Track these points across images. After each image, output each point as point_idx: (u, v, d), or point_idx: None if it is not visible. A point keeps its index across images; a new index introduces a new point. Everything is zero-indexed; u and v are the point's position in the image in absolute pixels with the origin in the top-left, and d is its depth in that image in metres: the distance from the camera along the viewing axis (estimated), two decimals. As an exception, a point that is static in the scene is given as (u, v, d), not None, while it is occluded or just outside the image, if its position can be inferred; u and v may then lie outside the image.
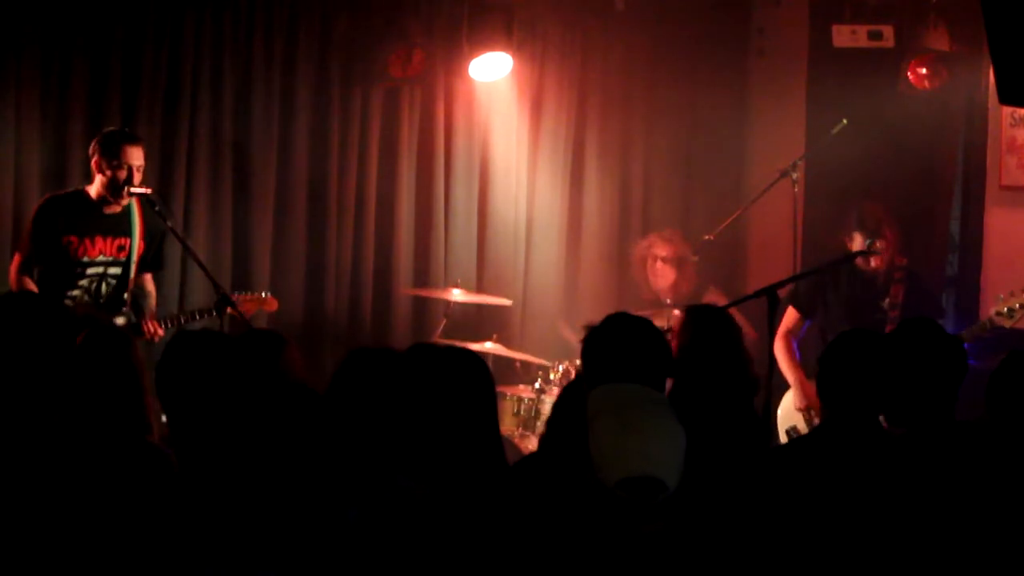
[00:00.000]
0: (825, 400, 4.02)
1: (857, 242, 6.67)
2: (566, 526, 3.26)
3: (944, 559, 3.56)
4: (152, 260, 6.55)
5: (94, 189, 6.31)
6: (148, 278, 6.61)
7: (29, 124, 7.04)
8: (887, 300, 6.71)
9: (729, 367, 4.73)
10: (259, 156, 7.65)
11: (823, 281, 6.78)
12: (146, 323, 6.33)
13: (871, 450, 3.84)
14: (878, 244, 6.59)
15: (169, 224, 6.21)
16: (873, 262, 6.65)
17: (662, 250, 7.69)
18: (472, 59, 7.93)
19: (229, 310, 5.90)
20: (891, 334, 4.24)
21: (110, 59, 7.21)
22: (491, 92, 8.20)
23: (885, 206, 6.88)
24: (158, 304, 6.71)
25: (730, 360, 4.79)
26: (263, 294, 6.90)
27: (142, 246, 6.40)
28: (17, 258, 6.38)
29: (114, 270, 6.37)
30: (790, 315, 6.92)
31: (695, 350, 4.81)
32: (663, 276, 7.67)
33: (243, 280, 7.58)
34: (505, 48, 7.95)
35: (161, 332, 6.34)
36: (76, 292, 6.33)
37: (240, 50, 7.57)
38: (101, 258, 6.32)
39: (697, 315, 5.01)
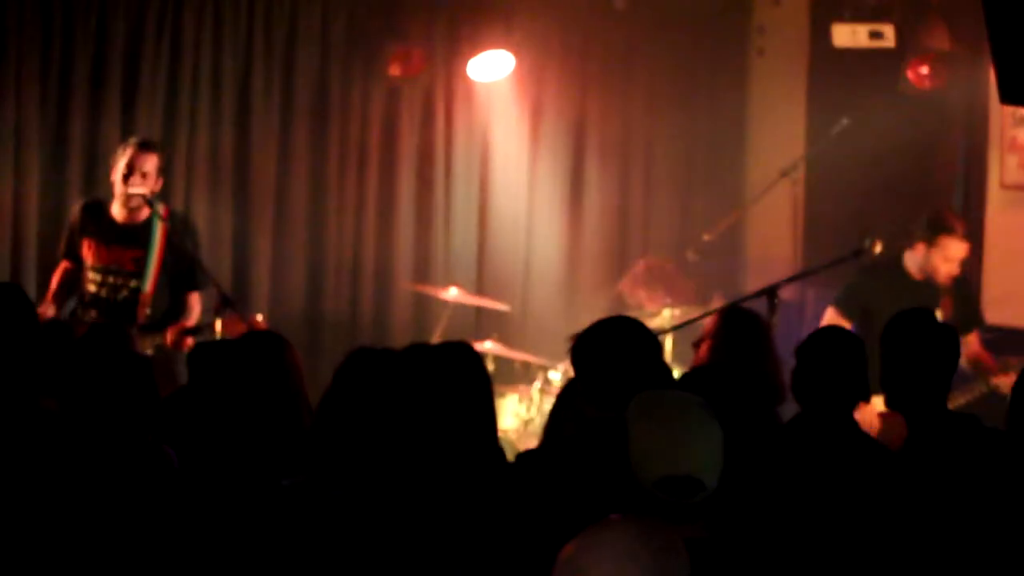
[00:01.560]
0: (799, 395, 4.02)
1: (949, 246, 6.39)
2: (565, 522, 3.25)
3: (942, 552, 3.56)
4: (182, 278, 6.36)
5: (117, 203, 6.31)
6: (193, 297, 6.39)
7: (29, 123, 7.04)
8: (939, 313, 6.36)
9: (757, 372, 4.70)
10: (259, 156, 7.66)
11: (869, 286, 6.49)
12: (169, 330, 6.19)
13: (845, 444, 3.85)
14: (877, 245, 6.44)
15: (167, 225, 6.20)
16: (946, 269, 6.39)
17: (635, 292, 7.66)
18: (472, 59, 7.92)
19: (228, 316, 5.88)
20: (888, 324, 4.20)
21: (110, 58, 7.21)
22: (491, 92, 8.19)
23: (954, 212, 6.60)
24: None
25: (759, 365, 4.78)
26: (258, 317, 6.23)
27: (160, 261, 6.31)
28: (61, 263, 6.40)
29: (130, 282, 6.28)
30: (831, 316, 6.58)
31: (726, 352, 4.80)
32: (651, 300, 7.63)
33: (243, 280, 7.59)
34: (505, 48, 7.95)
35: (188, 341, 6.10)
36: (86, 297, 6.31)
37: (240, 50, 7.57)
38: (113, 266, 6.29)
39: (731, 318, 4.98)
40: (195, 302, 6.40)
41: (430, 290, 7.74)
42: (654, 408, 3.19)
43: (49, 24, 7.06)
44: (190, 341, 6.12)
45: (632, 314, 7.52)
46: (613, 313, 8.01)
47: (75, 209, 6.39)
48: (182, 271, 6.32)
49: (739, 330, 4.93)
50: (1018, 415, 3.79)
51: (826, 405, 3.92)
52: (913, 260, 6.50)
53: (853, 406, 3.98)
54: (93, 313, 6.27)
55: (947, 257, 6.43)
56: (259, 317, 6.14)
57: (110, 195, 6.35)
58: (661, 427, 3.11)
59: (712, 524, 3.08)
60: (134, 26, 7.27)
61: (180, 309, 6.37)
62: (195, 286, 6.37)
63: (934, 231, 6.43)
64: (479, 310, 8.02)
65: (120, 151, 6.24)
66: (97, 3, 7.17)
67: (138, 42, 7.28)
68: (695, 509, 3.05)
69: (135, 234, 6.29)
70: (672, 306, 7.38)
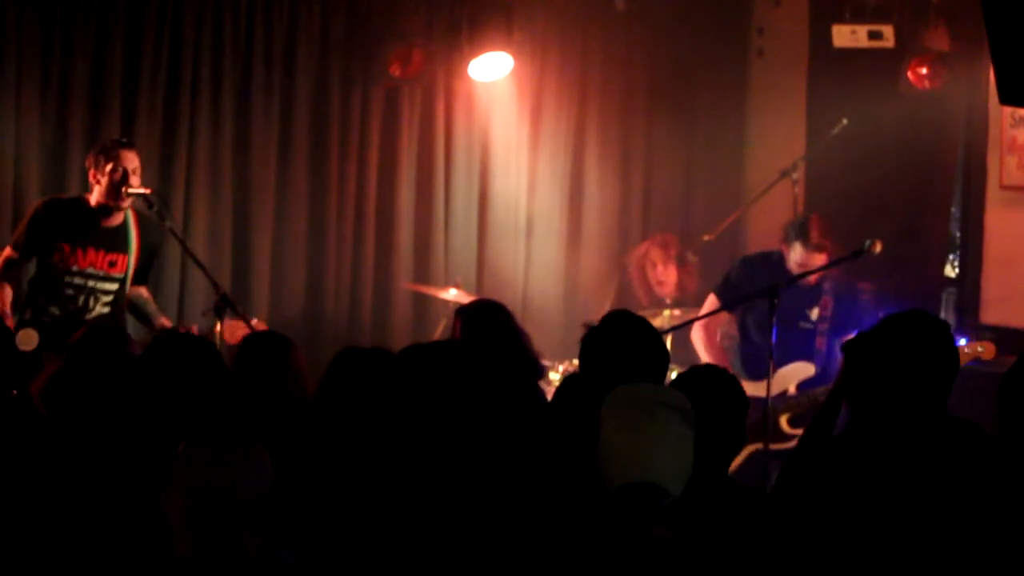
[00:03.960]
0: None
1: (798, 253, 6.50)
2: (566, 523, 3.25)
3: (941, 557, 3.55)
4: (141, 274, 6.39)
5: (93, 199, 6.26)
6: (142, 290, 6.43)
7: (29, 124, 7.05)
8: (816, 311, 6.61)
9: (517, 352, 5.14)
10: (259, 157, 7.66)
11: (752, 278, 6.54)
12: (159, 322, 6.23)
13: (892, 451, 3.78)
14: (877, 246, 6.47)
15: (168, 224, 6.19)
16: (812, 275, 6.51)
17: (659, 255, 7.70)
18: (472, 59, 7.92)
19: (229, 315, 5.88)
20: (881, 326, 4.14)
21: (110, 59, 7.21)
22: (491, 92, 8.19)
23: (828, 218, 6.73)
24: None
25: (515, 345, 5.18)
26: (253, 321, 6.14)
27: (137, 262, 6.32)
28: (7, 251, 6.27)
29: (106, 285, 6.26)
30: (711, 304, 6.76)
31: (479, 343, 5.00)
32: (665, 279, 7.66)
33: (243, 280, 7.59)
34: (505, 48, 7.95)
35: (169, 325, 6.22)
36: (58, 303, 6.25)
37: (240, 50, 7.57)
38: (90, 270, 6.25)
39: (470, 312, 5.31)
40: (146, 292, 6.45)
41: (430, 290, 7.74)
42: (622, 409, 3.16)
43: (49, 25, 7.06)
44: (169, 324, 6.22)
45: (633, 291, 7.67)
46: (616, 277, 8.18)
47: (39, 206, 6.29)
48: (144, 268, 6.37)
49: (482, 319, 5.19)
50: (1006, 414, 3.78)
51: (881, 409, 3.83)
52: (790, 258, 6.60)
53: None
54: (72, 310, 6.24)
55: (797, 261, 6.53)
56: (255, 321, 6.13)
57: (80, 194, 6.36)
58: (626, 431, 3.08)
59: (681, 523, 3.06)
60: (134, 27, 7.27)
61: (140, 301, 6.40)
62: (144, 280, 6.41)
63: (790, 234, 6.55)
64: (479, 310, 8.01)
65: (101, 152, 6.19)
66: (97, 4, 7.17)
67: (138, 43, 7.28)
68: (663, 512, 3.03)
69: (114, 237, 6.28)
70: (672, 306, 7.40)
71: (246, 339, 4.76)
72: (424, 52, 7.77)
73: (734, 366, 6.60)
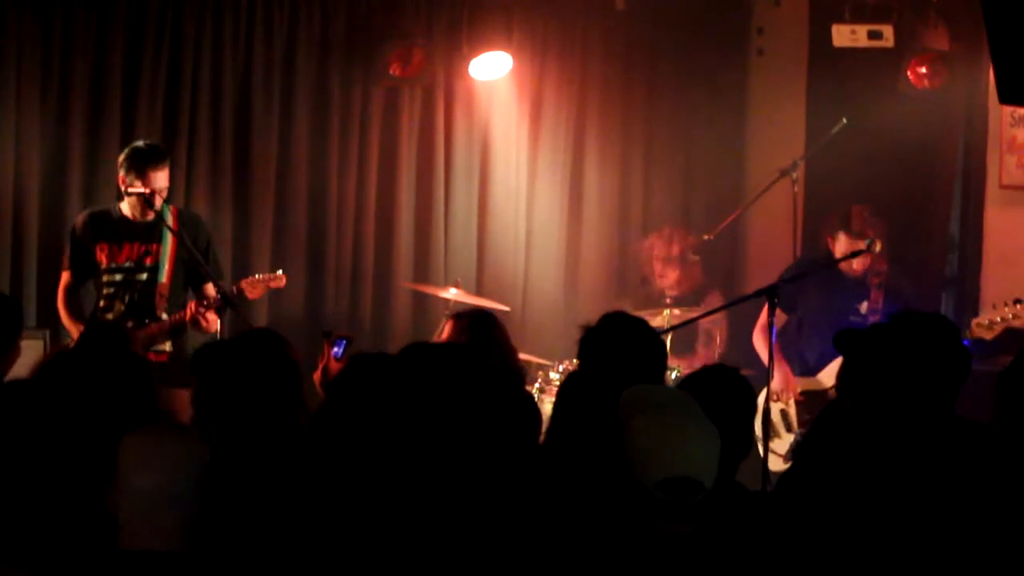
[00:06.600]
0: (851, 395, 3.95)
1: (842, 242, 6.65)
2: (577, 522, 3.26)
3: (945, 559, 3.55)
4: (196, 272, 6.37)
5: (127, 202, 6.32)
6: (208, 287, 6.36)
7: (29, 124, 7.06)
8: (866, 304, 6.68)
9: (502, 361, 5.23)
10: (259, 156, 7.66)
11: (804, 277, 6.69)
12: (196, 310, 6.17)
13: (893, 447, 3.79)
14: (877, 245, 6.53)
15: (166, 224, 6.21)
16: (855, 264, 6.63)
17: (662, 250, 7.73)
18: (472, 59, 7.93)
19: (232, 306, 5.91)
20: (890, 325, 4.15)
21: (110, 60, 7.22)
22: (491, 92, 8.20)
23: (872, 208, 6.87)
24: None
25: (502, 355, 5.28)
26: (278, 272, 6.53)
27: (174, 253, 6.32)
28: (63, 278, 6.41)
29: (141, 276, 6.31)
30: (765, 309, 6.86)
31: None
32: (666, 275, 7.70)
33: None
34: (505, 48, 7.95)
35: (209, 315, 6.17)
36: (102, 301, 6.31)
37: (240, 50, 7.58)
38: (127, 264, 6.31)
39: (467, 320, 5.47)
40: (211, 290, 6.38)
41: (430, 290, 7.74)
42: (651, 407, 3.19)
43: (49, 25, 7.07)
44: (211, 316, 6.16)
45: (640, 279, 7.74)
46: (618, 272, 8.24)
47: (80, 220, 6.40)
48: (194, 267, 6.35)
49: (477, 328, 5.33)
50: (1004, 408, 3.77)
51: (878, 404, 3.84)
52: (835, 249, 6.76)
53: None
54: (118, 307, 6.28)
55: (841, 251, 6.67)
56: (279, 272, 6.43)
57: (111, 196, 6.38)
58: (661, 427, 3.11)
59: (702, 522, 3.09)
60: (134, 27, 7.28)
61: (201, 297, 6.42)
62: (207, 279, 6.36)
63: (834, 224, 6.72)
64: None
65: (132, 166, 6.19)
66: (97, 5, 7.18)
67: (138, 44, 7.28)
68: (693, 508, 3.06)
69: (147, 230, 6.33)
70: (673, 305, 7.41)
71: (240, 337, 4.76)
72: (424, 52, 7.77)
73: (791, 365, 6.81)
